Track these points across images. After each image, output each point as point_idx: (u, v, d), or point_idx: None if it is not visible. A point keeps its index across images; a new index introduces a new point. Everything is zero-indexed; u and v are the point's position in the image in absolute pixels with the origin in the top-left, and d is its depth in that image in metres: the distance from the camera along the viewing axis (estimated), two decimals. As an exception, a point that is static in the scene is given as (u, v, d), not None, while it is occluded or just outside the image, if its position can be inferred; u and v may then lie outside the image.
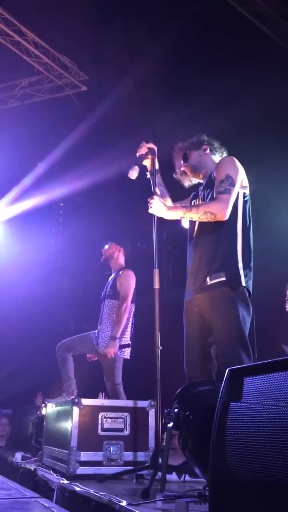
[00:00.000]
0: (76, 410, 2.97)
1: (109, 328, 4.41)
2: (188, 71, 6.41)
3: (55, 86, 7.52)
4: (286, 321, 5.47)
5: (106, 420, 3.02)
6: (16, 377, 6.86)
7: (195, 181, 3.25)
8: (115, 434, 3.02)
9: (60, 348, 4.52)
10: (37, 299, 8.33)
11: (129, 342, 4.43)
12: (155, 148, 3.14)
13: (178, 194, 3.32)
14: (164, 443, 2.43)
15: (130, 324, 4.48)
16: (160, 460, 2.46)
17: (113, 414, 3.05)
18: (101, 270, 4.93)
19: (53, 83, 7.47)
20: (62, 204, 9.20)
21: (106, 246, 4.72)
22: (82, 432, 2.95)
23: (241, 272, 2.84)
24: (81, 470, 2.89)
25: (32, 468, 3.27)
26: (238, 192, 2.94)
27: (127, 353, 4.43)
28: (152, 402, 3.07)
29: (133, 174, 3.02)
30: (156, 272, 2.90)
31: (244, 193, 2.99)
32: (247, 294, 2.86)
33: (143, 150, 3.11)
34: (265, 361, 1.72)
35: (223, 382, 1.78)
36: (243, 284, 2.83)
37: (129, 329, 4.46)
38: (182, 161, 3.20)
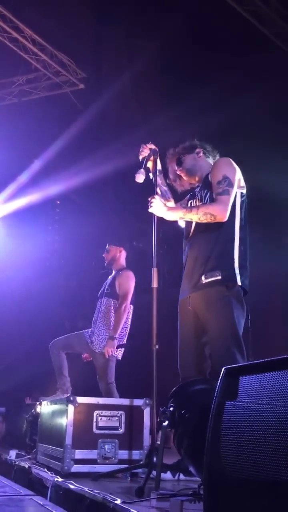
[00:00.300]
0: (71, 408, 2.97)
1: (104, 327, 4.40)
2: (186, 69, 6.42)
3: (52, 83, 7.51)
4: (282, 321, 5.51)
5: (101, 418, 3.02)
6: (10, 375, 6.85)
7: (188, 186, 3.26)
8: (110, 432, 3.02)
9: (54, 346, 4.52)
10: (32, 297, 8.32)
11: (124, 342, 4.43)
12: (157, 149, 3.14)
13: (181, 195, 3.32)
14: (159, 442, 2.43)
15: (127, 325, 4.48)
16: (154, 459, 2.46)
17: (108, 412, 3.05)
18: (98, 268, 4.92)
19: (51, 81, 7.45)
20: (58, 202, 9.19)
21: (106, 251, 4.71)
22: (77, 430, 2.95)
23: (237, 271, 2.85)
24: (76, 468, 2.88)
25: (27, 466, 3.26)
26: (236, 192, 2.95)
27: (120, 353, 4.42)
28: (148, 401, 3.07)
29: (140, 177, 3.02)
30: (154, 271, 2.90)
31: (242, 193, 2.99)
32: (243, 294, 2.86)
33: (144, 152, 3.11)
34: (261, 361, 1.73)
35: (219, 381, 1.78)
36: (239, 283, 2.83)
37: (126, 330, 4.46)
38: (176, 166, 3.21)
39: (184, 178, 3.22)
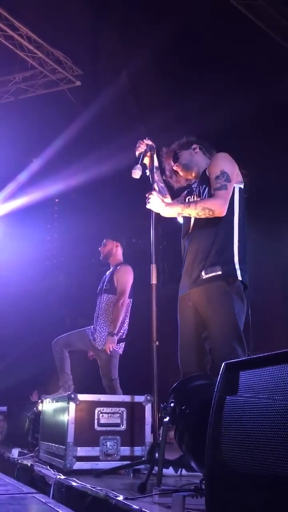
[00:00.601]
0: (72, 406, 2.97)
1: (106, 323, 4.41)
2: (184, 66, 6.39)
3: (49, 81, 7.48)
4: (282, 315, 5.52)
5: (102, 415, 3.03)
6: (12, 373, 6.86)
7: (184, 182, 3.25)
8: (112, 429, 3.03)
9: (56, 344, 4.52)
10: (33, 295, 8.33)
11: (124, 337, 4.43)
12: (154, 145, 3.13)
13: (177, 192, 3.31)
14: (160, 438, 2.43)
15: (127, 319, 4.48)
16: (156, 455, 2.47)
17: (109, 409, 3.06)
18: (97, 266, 4.92)
19: (47, 78, 7.42)
20: (57, 200, 9.18)
21: (103, 244, 4.71)
22: (79, 428, 2.95)
23: (237, 266, 2.85)
24: (78, 465, 2.89)
25: (29, 464, 3.27)
26: (234, 187, 2.95)
27: (121, 348, 4.42)
28: (149, 397, 3.08)
29: (137, 173, 3.01)
30: (153, 268, 2.90)
31: (240, 188, 2.99)
32: (243, 288, 2.86)
33: (141, 148, 3.10)
34: (261, 355, 1.73)
35: (219, 376, 1.78)
36: (239, 278, 2.83)
37: (125, 324, 4.46)
38: (172, 162, 3.20)
39: (181, 173, 3.22)
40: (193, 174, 3.19)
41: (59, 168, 7.45)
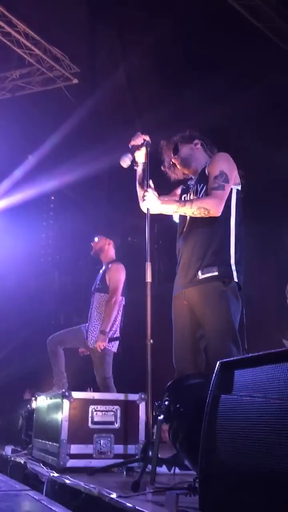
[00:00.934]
0: (66, 403, 2.97)
1: (98, 322, 4.39)
2: (181, 64, 6.39)
3: (46, 78, 7.46)
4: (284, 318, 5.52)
5: (96, 413, 3.03)
6: (5, 370, 6.84)
7: (181, 175, 3.23)
8: (106, 427, 3.03)
9: (51, 342, 4.51)
10: (28, 292, 8.32)
11: (118, 335, 4.42)
12: (150, 141, 3.11)
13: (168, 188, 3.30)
14: (154, 436, 2.43)
15: (119, 317, 4.46)
16: (150, 453, 2.47)
17: (103, 407, 3.05)
18: (92, 264, 4.92)
19: (44, 75, 7.41)
20: (53, 198, 9.16)
21: (96, 240, 4.70)
22: (73, 425, 2.95)
23: (233, 267, 2.86)
24: (71, 463, 2.89)
25: (22, 462, 3.27)
26: (232, 189, 2.95)
27: (115, 346, 4.41)
28: (143, 395, 3.08)
29: (126, 161, 2.99)
30: (148, 266, 2.90)
31: (237, 190, 3.00)
32: (238, 289, 2.88)
33: (138, 141, 3.07)
34: (256, 354, 1.73)
35: (214, 375, 1.79)
36: (235, 279, 2.85)
37: (118, 322, 4.44)
38: (172, 153, 3.18)
39: (178, 167, 3.20)
40: (191, 170, 3.17)
41: (55, 165, 7.44)
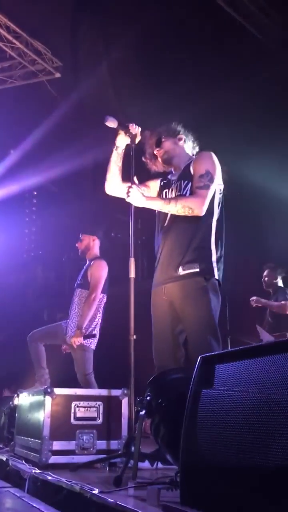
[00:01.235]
0: (48, 400, 2.95)
1: (78, 318, 4.35)
2: (163, 58, 6.37)
3: (28, 72, 7.39)
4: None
5: (79, 409, 3.01)
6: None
7: (161, 168, 3.22)
8: (88, 423, 3.01)
9: (32, 338, 4.48)
10: (10, 288, 8.25)
11: (96, 332, 4.38)
12: (134, 136, 3.05)
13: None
14: (136, 431, 2.43)
15: (99, 315, 4.42)
16: (132, 448, 2.46)
17: (86, 403, 3.04)
18: (76, 259, 4.88)
19: (26, 69, 7.33)
20: (35, 193, 9.09)
21: (80, 240, 4.67)
22: (55, 422, 2.93)
23: (214, 264, 2.90)
24: (54, 459, 2.87)
25: (4, 459, 3.24)
26: (215, 188, 2.96)
27: (93, 343, 4.37)
28: (125, 391, 3.07)
29: (110, 123, 2.98)
30: (131, 261, 2.89)
31: (220, 189, 3.02)
32: (218, 285, 2.90)
33: (131, 128, 3.02)
34: (236, 348, 1.74)
35: (195, 370, 1.79)
36: (216, 276, 2.88)
37: (97, 319, 4.40)
38: (155, 146, 3.16)
39: (159, 160, 3.18)
40: (172, 165, 3.17)
41: (37, 160, 7.38)
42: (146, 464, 2.62)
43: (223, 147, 3.34)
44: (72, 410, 2.99)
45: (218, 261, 2.91)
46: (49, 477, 2.40)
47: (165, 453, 2.24)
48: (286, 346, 1.49)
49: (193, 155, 3.17)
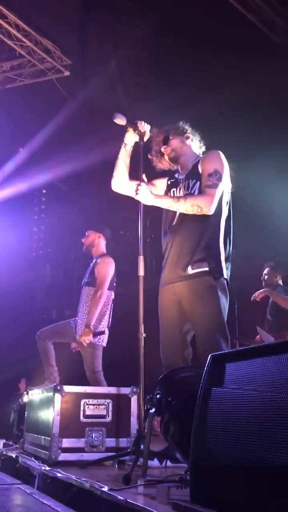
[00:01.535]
0: (58, 397, 2.96)
1: (86, 316, 4.36)
2: (172, 56, 6.36)
3: (37, 70, 7.40)
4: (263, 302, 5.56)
5: (88, 407, 3.02)
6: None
7: (167, 166, 3.21)
8: (97, 420, 3.02)
9: (40, 336, 4.49)
10: (19, 286, 8.26)
11: (105, 329, 4.39)
12: (143, 134, 3.04)
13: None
14: (146, 429, 2.43)
15: (108, 312, 4.42)
16: (142, 446, 2.47)
17: (95, 401, 3.05)
18: (84, 257, 4.89)
19: (36, 67, 7.35)
20: (44, 191, 9.11)
21: (86, 236, 4.68)
22: (64, 419, 2.94)
23: (223, 264, 2.90)
24: (63, 456, 2.88)
25: (14, 456, 3.26)
26: (223, 187, 2.96)
27: (103, 340, 4.38)
28: (135, 389, 3.08)
29: (119, 120, 2.96)
30: (141, 259, 2.89)
31: (228, 188, 3.01)
32: (226, 284, 2.90)
33: (140, 126, 3.00)
34: (246, 347, 1.74)
35: (205, 368, 1.79)
36: (224, 276, 2.89)
37: (106, 316, 4.40)
38: (162, 143, 3.15)
39: (166, 158, 3.18)
40: (179, 163, 3.16)
41: (46, 158, 7.39)
42: (155, 462, 2.63)
43: (230, 146, 3.33)
44: (81, 408, 3.00)
45: (226, 260, 2.92)
46: (59, 474, 2.41)
47: (175, 451, 2.24)
48: (297, 345, 1.49)
49: (200, 154, 3.16)
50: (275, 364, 1.50)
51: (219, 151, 3.04)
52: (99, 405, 3.05)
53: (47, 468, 2.64)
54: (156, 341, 3.01)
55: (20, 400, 4.21)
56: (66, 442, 2.91)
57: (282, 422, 1.39)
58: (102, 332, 4.34)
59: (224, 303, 2.85)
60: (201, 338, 2.85)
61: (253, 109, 5.87)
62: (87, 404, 3.02)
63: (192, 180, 3.00)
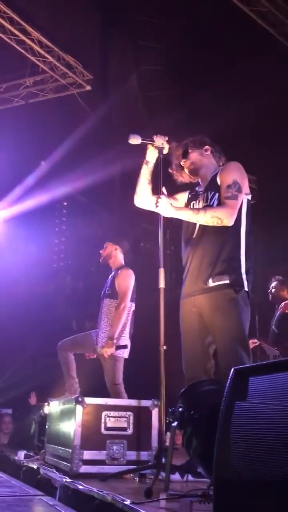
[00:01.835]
0: (79, 409, 2.97)
1: (107, 328, 4.36)
2: (193, 70, 6.41)
3: (59, 85, 7.52)
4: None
5: (109, 419, 3.02)
6: (17, 376, 6.86)
7: (188, 179, 3.23)
8: (118, 433, 3.02)
9: (61, 347, 4.51)
10: (39, 298, 8.34)
11: (128, 342, 4.39)
12: (163, 149, 3.07)
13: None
14: (168, 443, 2.43)
15: (129, 324, 4.43)
16: (163, 460, 2.46)
17: (116, 413, 3.05)
18: (104, 269, 4.92)
19: (58, 82, 7.46)
20: (65, 203, 9.20)
21: (104, 247, 4.72)
22: (85, 431, 2.95)
23: (244, 276, 2.89)
24: (84, 468, 2.89)
25: (35, 467, 3.27)
26: (243, 198, 2.96)
27: (125, 353, 4.38)
28: (156, 402, 3.07)
29: (133, 140, 3.00)
30: (161, 272, 2.90)
31: (248, 199, 3.01)
32: (247, 297, 2.89)
33: (157, 140, 3.03)
34: (270, 361, 1.73)
35: (228, 382, 1.78)
36: (245, 288, 2.88)
37: (127, 328, 4.41)
38: (181, 157, 3.17)
39: (186, 171, 3.20)
40: (199, 176, 3.18)
41: (67, 171, 7.48)
42: (176, 476, 2.62)
43: (251, 158, 3.34)
44: (103, 420, 3.01)
45: (247, 272, 2.91)
46: (80, 487, 2.41)
47: (197, 465, 2.23)
48: None
49: (220, 166, 3.17)
50: (300, 379, 1.49)
51: (237, 163, 3.05)
52: (120, 417, 3.05)
53: (69, 480, 2.65)
54: (177, 353, 3.00)
55: (41, 411, 4.23)
56: (87, 454, 2.92)
57: (307, 438, 1.38)
58: (125, 346, 4.34)
59: (245, 315, 2.84)
60: (222, 350, 2.84)
61: (274, 121, 5.87)
62: (108, 416, 3.03)
63: (211, 192, 3.01)
